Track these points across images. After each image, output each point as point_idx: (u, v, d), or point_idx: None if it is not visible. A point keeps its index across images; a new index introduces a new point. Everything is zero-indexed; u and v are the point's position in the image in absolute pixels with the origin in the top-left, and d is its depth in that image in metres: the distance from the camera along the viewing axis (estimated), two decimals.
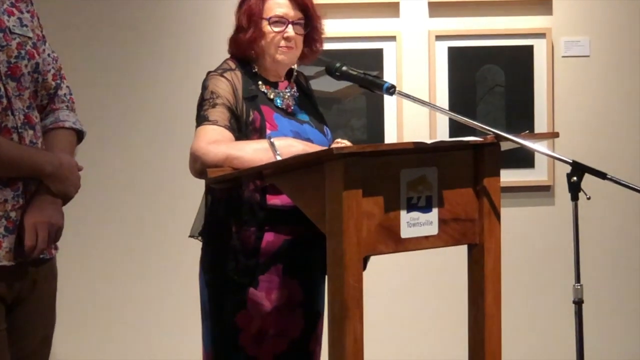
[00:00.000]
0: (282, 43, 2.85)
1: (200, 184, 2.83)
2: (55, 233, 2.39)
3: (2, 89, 2.35)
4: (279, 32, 2.84)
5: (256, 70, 2.90)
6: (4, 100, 2.35)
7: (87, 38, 4.28)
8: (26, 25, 2.46)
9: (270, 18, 2.84)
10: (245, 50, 2.88)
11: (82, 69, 4.18)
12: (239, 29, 2.89)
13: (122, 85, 4.30)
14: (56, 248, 2.52)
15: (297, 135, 2.82)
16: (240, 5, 2.92)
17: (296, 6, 2.87)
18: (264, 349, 2.79)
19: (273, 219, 2.76)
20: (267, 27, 2.85)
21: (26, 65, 2.42)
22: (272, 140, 2.69)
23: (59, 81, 2.56)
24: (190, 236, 2.92)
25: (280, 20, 2.85)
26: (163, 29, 4.31)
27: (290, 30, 2.85)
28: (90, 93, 4.19)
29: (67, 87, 2.60)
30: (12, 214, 2.34)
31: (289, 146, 2.67)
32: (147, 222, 4.33)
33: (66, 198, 2.44)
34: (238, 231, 2.75)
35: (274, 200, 2.76)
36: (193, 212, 2.93)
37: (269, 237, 2.76)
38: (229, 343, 2.78)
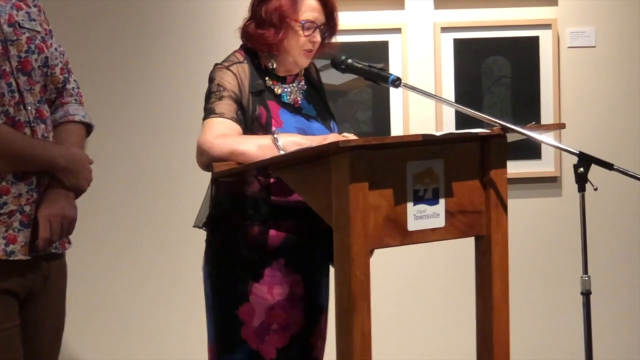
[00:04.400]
0: (308, 46, 2.85)
1: (207, 177, 2.83)
2: (68, 225, 2.41)
3: (14, 84, 2.36)
4: (307, 36, 2.83)
5: (266, 64, 2.88)
6: (16, 95, 2.35)
7: (93, 33, 4.28)
8: (34, 20, 2.46)
9: (304, 23, 2.82)
10: (267, 47, 2.84)
11: (89, 62, 4.18)
12: (264, 24, 2.83)
13: (129, 78, 4.30)
14: (69, 242, 2.53)
15: (302, 132, 2.81)
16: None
17: (324, 11, 2.86)
18: (266, 342, 2.79)
19: (277, 214, 2.76)
20: (299, 30, 2.82)
21: (36, 60, 2.43)
22: (275, 136, 2.68)
23: (66, 75, 2.57)
24: (194, 226, 2.92)
25: (312, 25, 2.84)
26: (169, 21, 4.30)
27: (317, 36, 2.85)
28: (97, 86, 4.19)
29: (75, 81, 2.61)
30: (27, 208, 2.35)
31: (294, 143, 2.65)
32: (152, 216, 4.33)
33: (79, 191, 2.45)
34: (242, 225, 2.76)
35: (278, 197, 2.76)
36: (199, 205, 2.92)
37: (272, 232, 2.76)
38: (231, 336, 2.79)
